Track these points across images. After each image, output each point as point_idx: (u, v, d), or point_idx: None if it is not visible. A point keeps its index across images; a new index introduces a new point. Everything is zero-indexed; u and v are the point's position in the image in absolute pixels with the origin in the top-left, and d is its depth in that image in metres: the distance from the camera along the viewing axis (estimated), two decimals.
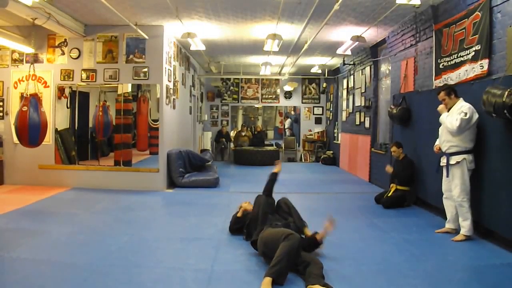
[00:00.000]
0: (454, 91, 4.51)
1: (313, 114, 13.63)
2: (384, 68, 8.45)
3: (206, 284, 3.18)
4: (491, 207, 4.22)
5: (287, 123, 15.25)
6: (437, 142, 4.74)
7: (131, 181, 7.19)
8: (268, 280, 3.07)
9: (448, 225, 4.66)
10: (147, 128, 7.99)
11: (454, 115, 4.33)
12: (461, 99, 4.47)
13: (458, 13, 5.09)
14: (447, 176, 4.50)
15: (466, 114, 4.24)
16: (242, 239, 4.29)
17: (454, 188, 4.41)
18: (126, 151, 7.52)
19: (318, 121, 13.63)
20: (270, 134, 16.66)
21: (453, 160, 4.39)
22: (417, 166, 5.91)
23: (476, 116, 4.27)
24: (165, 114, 7.42)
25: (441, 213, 5.28)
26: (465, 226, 4.34)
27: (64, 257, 3.71)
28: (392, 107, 6.68)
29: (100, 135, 7.71)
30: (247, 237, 4.21)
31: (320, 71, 11.41)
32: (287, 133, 14.70)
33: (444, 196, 4.68)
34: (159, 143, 7.32)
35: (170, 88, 7.73)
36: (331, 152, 12.49)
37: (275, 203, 4.37)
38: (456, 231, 4.54)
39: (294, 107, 14.64)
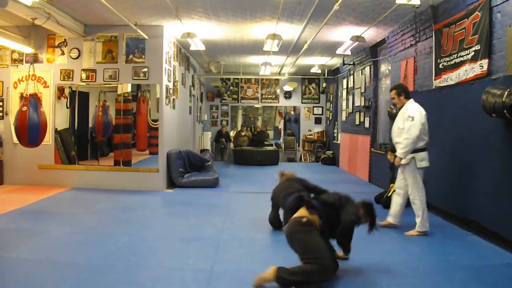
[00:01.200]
0: (405, 92, 4.67)
1: (313, 114, 13.63)
2: (384, 68, 8.45)
3: (206, 284, 3.18)
4: (491, 207, 4.23)
5: (282, 123, 15.25)
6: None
7: (131, 181, 7.18)
8: (273, 270, 3.04)
9: (389, 219, 4.82)
10: (147, 128, 7.98)
11: (400, 119, 4.56)
12: (410, 100, 4.64)
13: (458, 13, 5.09)
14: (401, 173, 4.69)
15: (412, 118, 4.39)
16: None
17: (408, 186, 4.56)
18: (125, 151, 7.52)
19: (318, 121, 13.63)
20: (270, 134, 16.65)
21: (404, 160, 4.50)
22: None
23: (423, 116, 4.44)
24: (165, 114, 7.41)
25: (441, 212, 5.28)
26: (417, 222, 4.49)
27: (64, 257, 3.71)
28: (392, 107, 6.68)
29: (100, 135, 7.70)
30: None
31: (320, 71, 11.42)
32: (283, 133, 14.71)
33: (395, 192, 4.84)
34: (158, 143, 7.32)
35: (170, 88, 7.73)
36: (331, 152, 12.49)
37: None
38: (396, 226, 4.74)
39: (294, 107, 14.64)
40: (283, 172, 4.93)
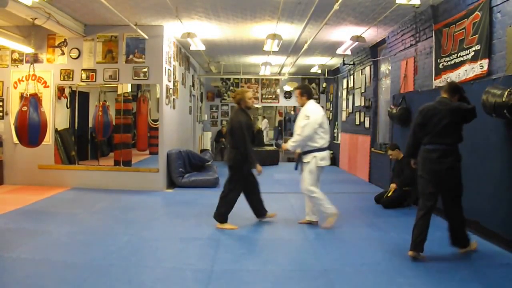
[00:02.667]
0: (307, 93, 4.83)
1: None
2: (384, 68, 8.45)
3: (206, 284, 3.18)
4: (491, 207, 4.23)
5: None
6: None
7: (131, 181, 7.18)
8: None
9: (308, 217, 4.94)
10: (147, 128, 7.99)
11: (300, 117, 4.72)
12: (310, 101, 4.79)
13: (458, 13, 5.09)
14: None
15: (308, 117, 4.58)
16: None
17: (301, 182, 4.76)
18: (126, 151, 7.52)
19: None
20: (270, 134, 16.64)
21: (305, 159, 4.70)
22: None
23: (320, 117, 4.62)
24: (165, 114, 7.41)
25: (441, 213, 5.28)
26: (328, 214, 4.74)
27: (64, 257, 3.71)
28: (392, 107, 6.69)
29: (100, 135, 7.70)
30: None
31: (320, 71, 11.41)
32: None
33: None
34: (159, 143, 7.32)
35: (170, 88, 7.73)
36: (331, 152, 12.47)
37: None
38: (317, 223, 4.89)
39: (294, 107, 14.64)
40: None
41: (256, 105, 14.66)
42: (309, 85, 5.25)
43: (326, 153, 4.75)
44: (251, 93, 4.88)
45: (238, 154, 4.61)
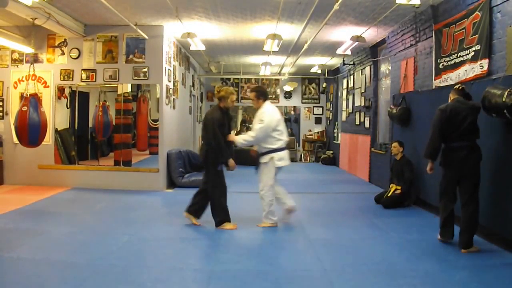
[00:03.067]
0: (263, 95, 4.85)
1: (313, 114, 13.64)
2: (384, 68, 8.45)
3: (206, 284, 3.18)
4: (491, 207, 4.22)
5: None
6: None
7: (131, 181, 7.18)
8: None
9: (284, 207, 5.00)
10: (147, 128, 7.98)
11: (256, 120, 4.76)
12: (266, 103, 4.81)
13: (458, 13, 5.10)
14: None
15: (262, 121, 4.63)
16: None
17: (259, 182, 4.78)
18: (126, 151, 7.52)
19: (318, 121, 13.63)
20: None
21: (263, 160, 4.74)
22: (416, 166, 5.90)
23: (275, 120, 4.68)
24: (165, 114, 7.41)
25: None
26: (263, 216, 4.79)
27: (64, 257, 3.71)
28: (392, 107, 6.68)
29: (100, 135, 7.70)
30: None
31: (320, 71, 11.42)
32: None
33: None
34: (159, 143, 7.32)
35: (170, 88, 7.73)
36: (331, 152, 12.49)
37: None
38: (294, 207, 5.01)
39: (294, 107, 14.64)
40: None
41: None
42: (263, 87, 5.25)
43: (284, 153, 4.81)
44: (235, 97, 4.89)
45: (211, 149, 4.65)
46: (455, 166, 3.97)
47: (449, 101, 4.25)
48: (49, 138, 6.97)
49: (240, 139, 4.82)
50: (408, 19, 6.49)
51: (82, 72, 7.20)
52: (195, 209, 4.85)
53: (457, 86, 4.23)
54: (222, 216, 4.72)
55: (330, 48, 8.85)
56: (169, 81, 7.71)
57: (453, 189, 4.05)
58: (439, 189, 4.20)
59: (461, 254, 3.89)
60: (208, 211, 4.79)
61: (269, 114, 4.72)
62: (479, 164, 3.95)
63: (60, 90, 7.36)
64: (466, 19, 4.87)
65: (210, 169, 4.74)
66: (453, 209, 4.08)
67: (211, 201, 4.75)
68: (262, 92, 4.96)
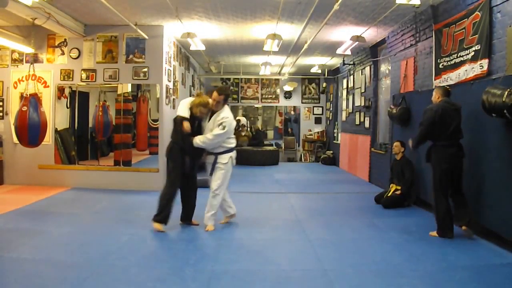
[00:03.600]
0: (227, 99, 4.79)
1: (313, 114, 13.64)
2: (384, 68, 8.45)
3: (206, 284, 3.18)
4: (491, 207, 4.23)
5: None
6: None
7: (131, 181, 7.18)
8: None
9: (225, 215, 5.00)
10: (147, 128, 7.99)
11: (212, 122, 4.70)
12: (225, 106, 4.78)
13: (458, 13, 5.10)
14: (210, 174, 4.81)
15: (224, 128, 4.61)
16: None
17: (213, 182, 4.73)
18: (125, 151, 7.52)
19: (318, 121, 13.63)
20: (270, 134, 16.65)
21: (223, 159, 4.73)
22: (417, 166, 5.91)
23: (233, 125, 4.77)
24: (165, 114, 7.41)
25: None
26: (208, 216, 4.70)
27: (64, 257, 3.71)
28: (392, 107, 6.68)
29: (100, 135, 7.71)
30: None
31: (320, 71, 11.41)
32: (283, 133, 14.64)
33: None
34: (159, 143, 7.32)
35: (170, 88, 7.73)
36: (331, 152, 12.49)
37: None
38: (234, 216, 5.01)
39: (294, 107, 14.64)
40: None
41: (256, 105, 14.68)
42: (228, 88, 5.19)
43: (235, 153, 4.92)
44: (205, 110, 4.69)
45: (175, 145, 4.70)
46: (448, 161, 4.31)
47: (435, 100, 4.51)
48: (49, 138, 6.97)
49: (197, 139, 4.70)
50: (408, 19, 6.49)
51: (82, 72, 7.20)
52: (185, 214, 4.91)
53: (445, 87, 4.57)
54: (161, 215, 4.60)
55: (330, 48, 8.85)
56: (169, 81, 7.71)
57: (447, 182, 4.33)
58: (432, 186, 4.45)
59: (461, 254, 3.90)
60: (202, 209, 4.77)
61: (230, 121, 4.70)
62: (463, 160, 4.39)
63: (60, 90, 7.36)
64: (466, 19, 4.87)
65: (170, 163, 4.78)
66: (449, 205, 4.37)
67: (162, 194, 4.69)
68: (228, 95, 4.88)
